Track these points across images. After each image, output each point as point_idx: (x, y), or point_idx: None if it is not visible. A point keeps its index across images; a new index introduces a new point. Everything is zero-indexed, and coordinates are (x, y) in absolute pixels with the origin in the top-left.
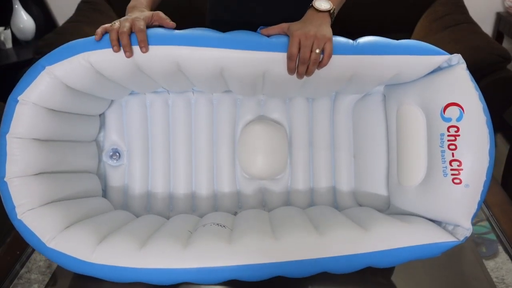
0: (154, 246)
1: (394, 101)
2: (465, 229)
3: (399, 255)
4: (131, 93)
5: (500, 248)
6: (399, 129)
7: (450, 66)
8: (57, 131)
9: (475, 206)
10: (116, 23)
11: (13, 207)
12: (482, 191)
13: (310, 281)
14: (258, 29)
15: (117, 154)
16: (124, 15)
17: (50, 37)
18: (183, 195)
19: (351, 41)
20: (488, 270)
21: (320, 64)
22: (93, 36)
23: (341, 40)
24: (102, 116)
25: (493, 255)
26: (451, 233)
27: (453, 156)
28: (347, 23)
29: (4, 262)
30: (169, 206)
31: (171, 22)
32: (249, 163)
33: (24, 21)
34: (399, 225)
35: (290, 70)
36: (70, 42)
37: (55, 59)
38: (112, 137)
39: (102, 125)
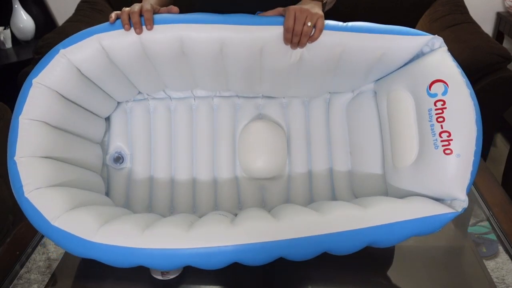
0: (157, 228)
1: (384, 91)
2: (462, 200)
3: (399, 229)
4: (135, 100)
5: (501, 248)
6: (390, 115)
7: (432, 50)
8: (66, 121)
9: (468, 176)
10: (126, 8)
11: (21, 186)
12: (474, 160)
13: (311, 281)
14: (256, 13)
15: (121, 157)
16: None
17: (50, 37)
18: (184, 197)
19: (341, 22)
20: (489, 270)
21: (312, 38)
22: (107, 22)
23: (332, 21)
24: (107, 121)
25: (494, 255)
26: (449, 206)
27: (442, 128)
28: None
29: (4, 262)
30: (170, 208)
31: (175, 7)
32: (249, 160)
33: (24, 21)
34: (398, 201)
35: (287, 40)
36: (85, 29)
37: (70, 42)
38: (116, 142)
39: (107, 130)
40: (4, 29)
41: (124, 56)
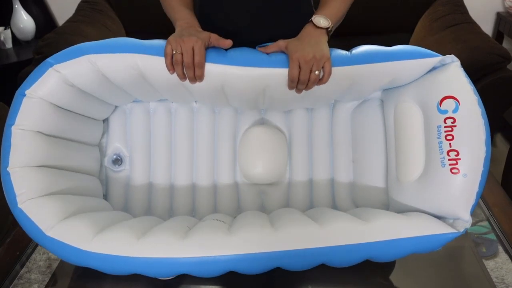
0: (153, 237)
1: (392, 102)
2: (465, 221)
3: (399, 246)
4: (135, 101)
5: (500, 248)
6: (397, 126)
7: (444, 65)
8: (61, 129)
9: (474, 197)
10: (178, 54)
11: (14, 196)
12: (480, 181)
13: (310, 282)
14: (256, 47)
15: (120, 159)
16: (124, 16)
17: (50, 37)
18: (183, 201)
19: (346, 52)
20: (488, 270)
21: (320, 81)
22: (101, 40)
23: (337, 52)
24: (106, 122)
25: (493, 255)
26: (451, 225)
27: (450, 146)
28: (349, 24)
29: (4, 262)
30: (169, 211)
31: (227, 40)
32: (249, 165)
33: (24, 21)
34: (399, 217)
35: (291, 88)
36: (78, 44)
37: (63, 58)
38: (115, 143)
39: (105, 131)
40: (5, 29)
41: (120, 76)
